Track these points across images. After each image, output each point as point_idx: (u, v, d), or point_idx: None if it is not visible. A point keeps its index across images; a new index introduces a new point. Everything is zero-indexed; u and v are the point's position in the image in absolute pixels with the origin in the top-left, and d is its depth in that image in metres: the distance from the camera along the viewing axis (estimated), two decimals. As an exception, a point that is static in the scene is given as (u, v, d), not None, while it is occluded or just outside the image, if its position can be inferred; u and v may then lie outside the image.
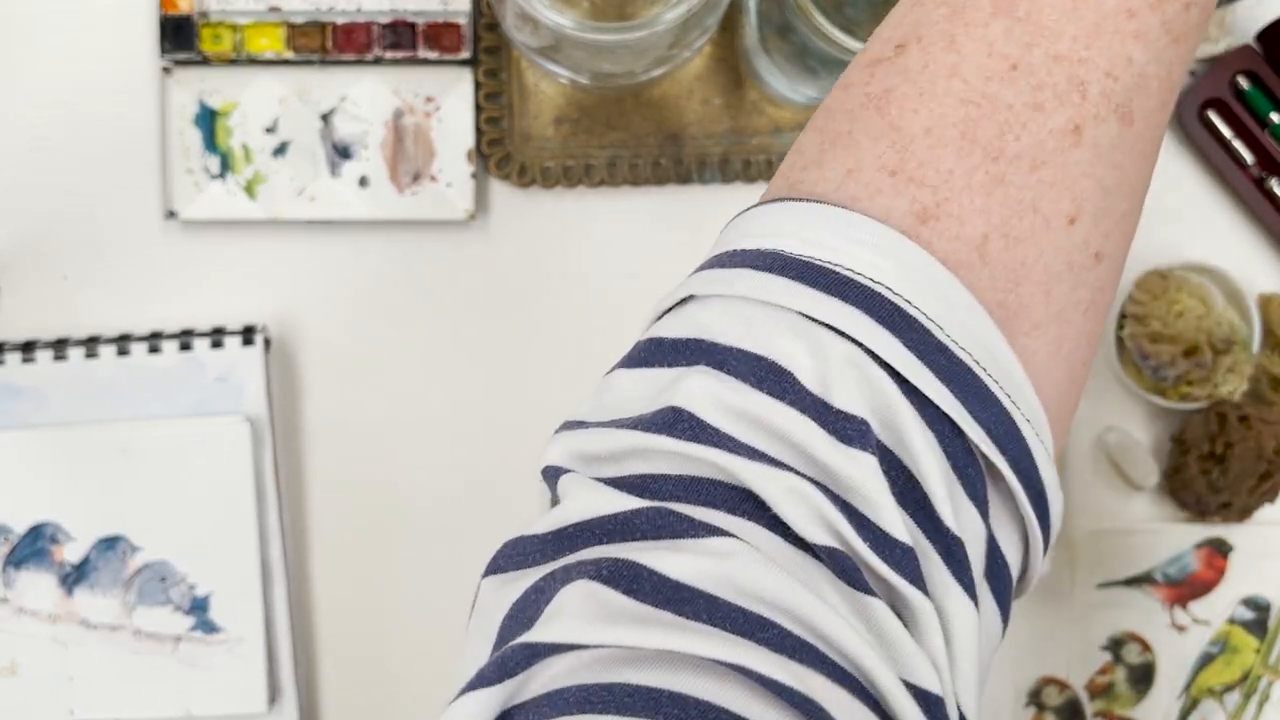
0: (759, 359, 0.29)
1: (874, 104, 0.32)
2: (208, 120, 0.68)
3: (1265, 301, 0.70)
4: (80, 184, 0.69)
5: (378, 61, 0.68)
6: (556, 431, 0.32)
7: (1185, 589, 0.72)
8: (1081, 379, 0.33)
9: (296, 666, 0.68)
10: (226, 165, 0.68)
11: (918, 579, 0.28)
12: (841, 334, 0.29)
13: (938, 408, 0.29)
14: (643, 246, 0.71)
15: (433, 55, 0.68)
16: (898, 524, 0.28)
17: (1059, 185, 0.30)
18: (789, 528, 0.28)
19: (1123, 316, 0.69)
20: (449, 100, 0.68)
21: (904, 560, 0.28)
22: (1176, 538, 0.71)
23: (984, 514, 0.30)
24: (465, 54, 0.68)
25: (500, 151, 0.69)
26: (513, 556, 0.30)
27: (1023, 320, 0.31)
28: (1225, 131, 0.71)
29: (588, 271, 0.70)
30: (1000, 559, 0.31)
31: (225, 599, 0.67)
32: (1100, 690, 0.72)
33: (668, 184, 0.70)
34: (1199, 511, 0.71)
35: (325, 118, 0.68)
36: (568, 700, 0.27)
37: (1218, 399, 0.69)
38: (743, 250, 0.31)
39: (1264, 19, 0.70)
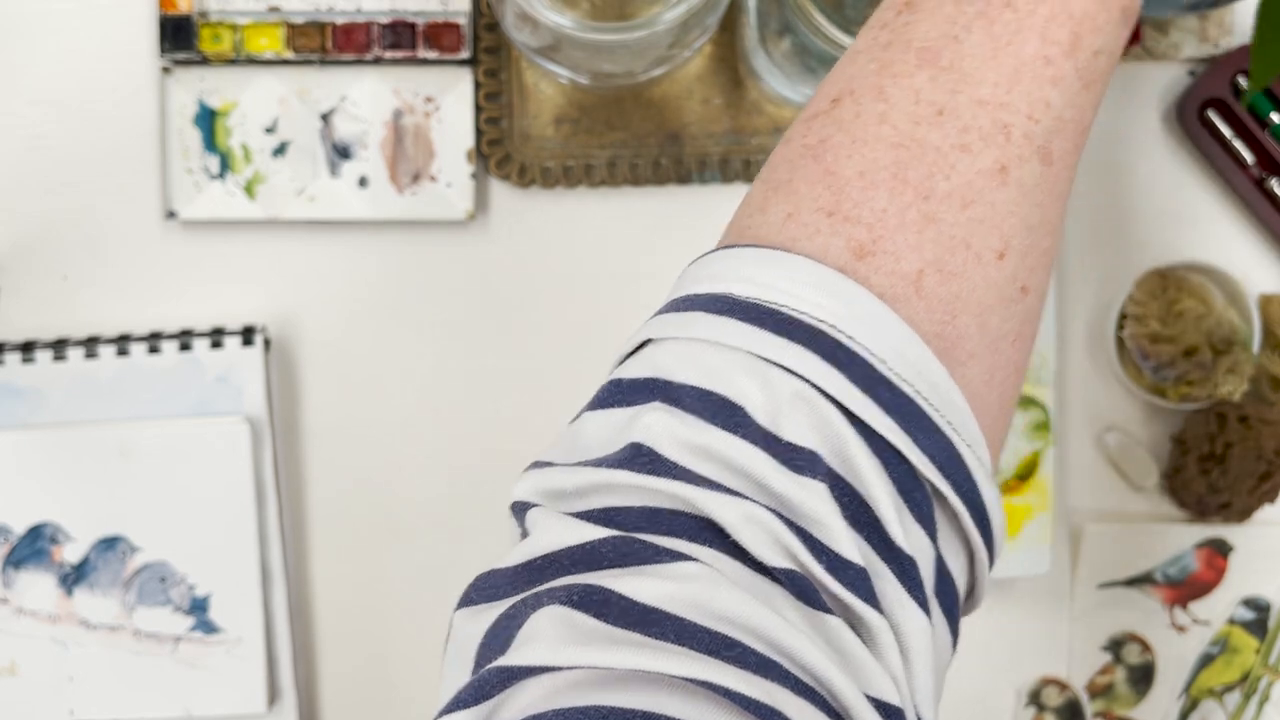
0: (712, 395, 0.31)
1: (811, 153, 0.34)
2: (207, 120, 0.68)
3: (1265, 301, 0.70)
4: (80, 184, 0.69)
5: (377, 61, 0.68)
6: (525, 470, 0.34)
7: (1185, 589, 0.72)
8: (1011, 406, 0.34)
9: (296, 667, 0.68)
10: (226, 165, 0.68)
11: (871, 598, 0.30)
12: (790, 371, 0.30)
13: (884, 437, 0.30)
14: (643, 246, 0.71)
15: (432, 55, 0.68)
16: (850, 546, 0.30)
17: (988, 222, 0.32)
18: (748, 553, 0.30)
19: (1123, 316, 0.69)
20: (449, 100, 0.68)
21: (857, 580, 0.30)
22: (1176, 538, 0.71)
23: (931, 535, 0.31)
24: (465, 54, 0.68)
25: (500, 151, 0.69)
26: (484, 589, 0.31)
27: (959, 351, 0.32)
28: (1225, 131, 0.71)
29: (588, 271, 0.70)
30: (947, 576, 0.32)
31: (225, 599, 0.67)
32: (1100, 690, 0.72)
33: (668, 184, 0.70)
34: (1199, 512, 0.71)
35: (325, 118, 0.68)
36: None
37: (1218, 399, 0.69)
38: (696, 295, 0.33)
39: (1264, 19, 0.70)
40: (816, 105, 0.35)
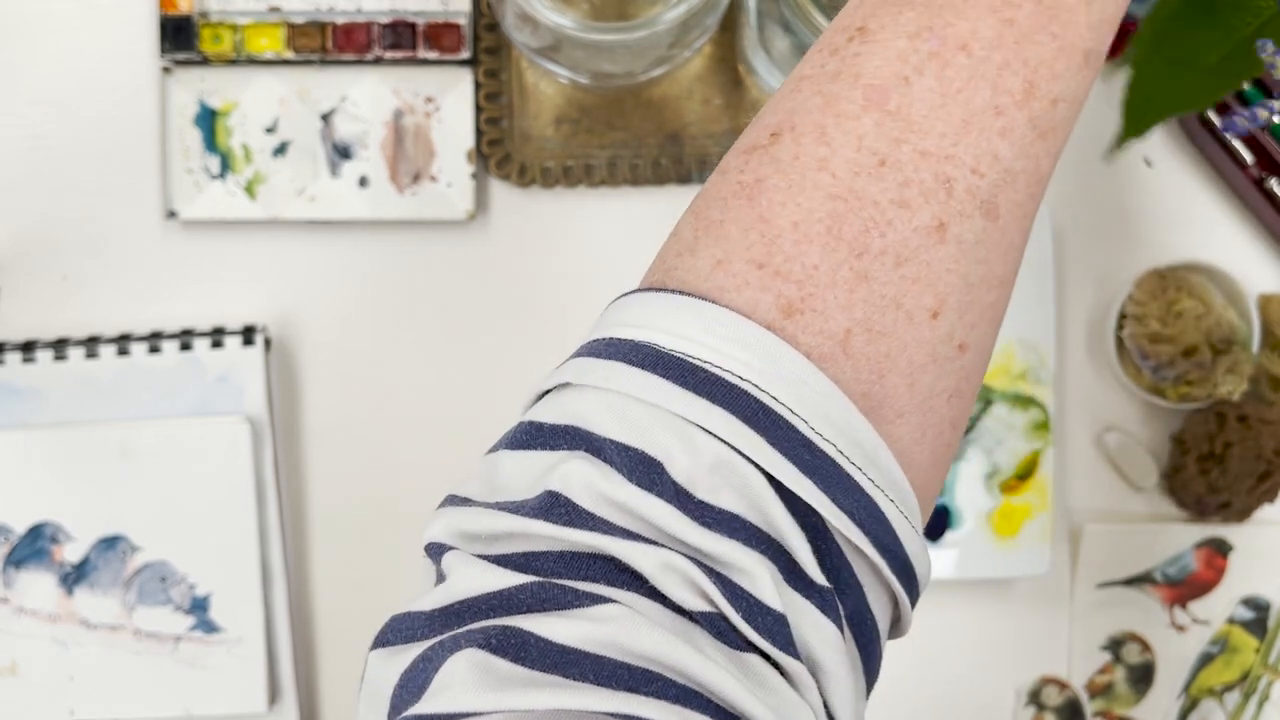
0: (632, 451, 0.30)
1: (746, 193, 0.32)
2: (208, 120, 0.68)
3: (1265, 301, 0.70)
4: (80, 184, 0.69)
5: (378, 61, 0.68)
6: (440, 506, 0.33)
7: (1185, 589, 0.72)
8: (947, 458, 0.34)
9: (296, 666, 0.68)
10: (226, 165, 0.68)
11: (788, 645, 0.30)
12: (712, 434, 0.30)
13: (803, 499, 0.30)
14: (643, 246, 0.71)
15: (433, 55, 0.68)
16: (770, 593, 0.29)
17: (922, 281, 0.31)
18: (666, 600, 0.30)
19: (1122, 316, 0.70)
20: (449, 100, 0.68)
21: (774, 627, 0.29)
22: (1176, 538, 0.71)
23: (844, 585, 0.31)
24: (465, 54, 0.68)
25: (500, 151, 0.69)
26: (400, 630, 0.31)
27: (886, 410, 0.32)
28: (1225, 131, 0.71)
29: (588, 271, 0.70)
30: (866, 616, 0.32)
31: (225, 599, 0.67)
32: (1100, 690, 0.72)
33: (668, 184, 0.70)
34: (1198, 511, 0.71)
35: (325, 118, 0.68)
36: None
37: (1217, 399, 0.69)
38: (618, 340, 0.32)
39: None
40: (754, 136, 0.33)
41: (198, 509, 0.67)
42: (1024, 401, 0.70)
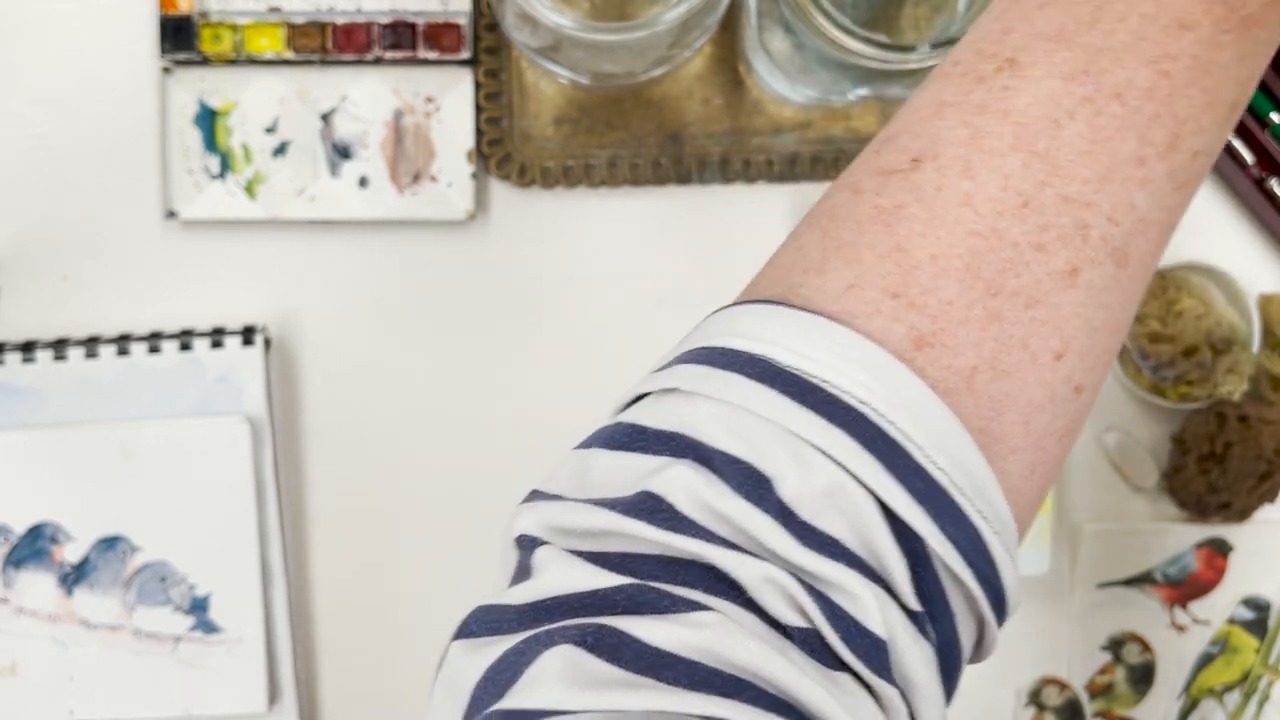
0: (743, 464, 0.30)
1: (883, 219, 0.32)
2: (208, 120, 0.68)
3: (1265, 301, 0.70)
4: (80, 184, 0.69)
5: (378, 61, 0.68)
6: (525, 500, 0.33)
7: (1185, 589, 0.72)
8: (1046, 493, 0.34)
9: (296, 667, 0.68)
10: (226, 165, 0.68)
11: (884, 669, 0.30)
12: (827, 455, 0.30)
13: (910, 525, 0.30)
14: (643, 246, 0.71)
15: (433, 55, 0.68)
16: (875, 617, 0.29)
17: (1050, 324, 0.31)
18: (763, 613, 0.29)
19: (1123, 316, 0.70)
20: (449, 100, 0.68)
21: (873, 651, 0.29)
22: (1176, 538, 0.71)
23: (937, 614, 0.32)
24: (465, 54, 0.68)
25: (500, 151, 0.69)
26: (485, 623, 0.31)
27: (1001, 446, 0.32)
28: (1225, 131, 0.71)
29: (588, 271, 0.70)
30: (955, 645, 0.32)
31: (225, 599, 0.67)
32: (1100, 690, 0.72)
33: (668, 184, 0.70)
34: (1199, 511, 0.71)
35: (325, 118, 0.68)
36: None
37: (1217, 399, 0.69)
38: (733, 351, 0.31)
39: (1264, 19, 0.70)
40: (892, 159, 0.33)
41: (197, 509, 0.67)
42: (1024, 401, 0.70)
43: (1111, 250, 0.32)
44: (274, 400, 0.68)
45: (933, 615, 0.31)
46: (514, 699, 0.28)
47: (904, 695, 0.30)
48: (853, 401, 0.30)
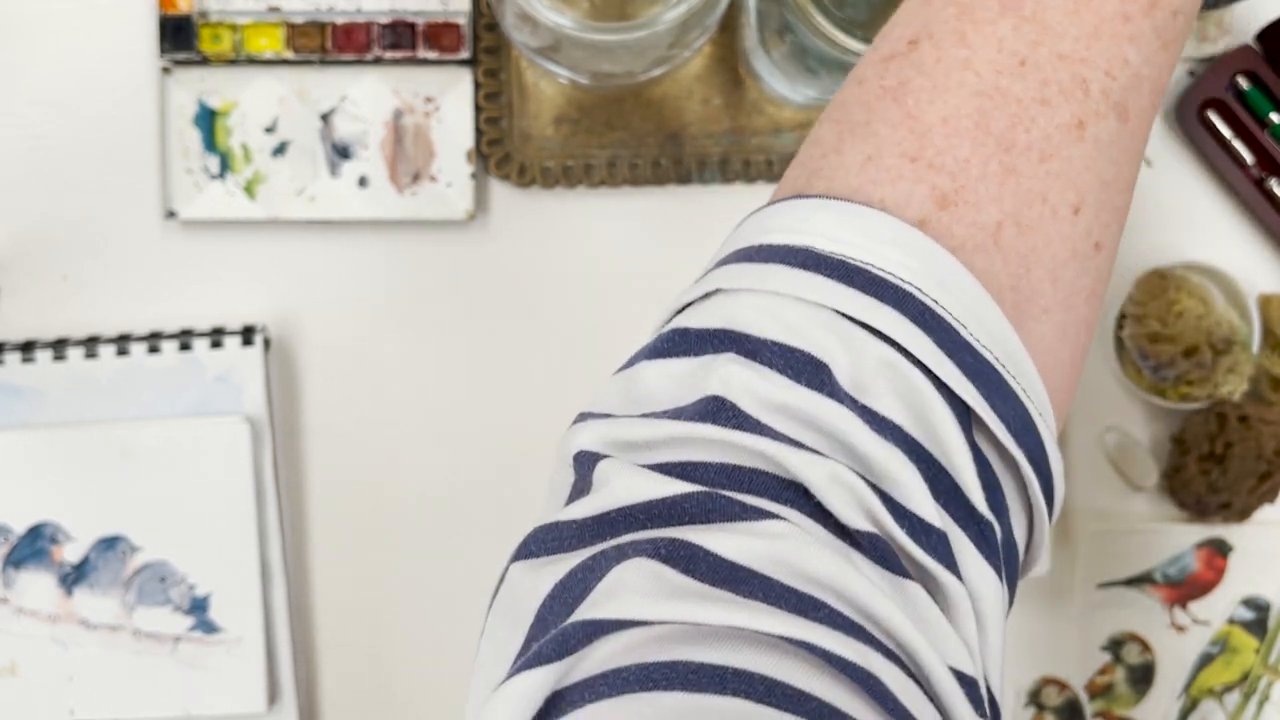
0: (795, 352, 0.30)
1: (890, 95, 0.33)
2: (207, 120, 0.68)
3: (1265, 301, 0.70)
4: (80, 184, 0.69)
5: (377, 61, 0.68)
6: (578, 421, 0.32)
7: (1185, 589, 0.72)
8: (1081, 363, 0.34)
9: (296, 667, 0.68)
10: (226, 165, 0.68)
11: (951, 563, 0.30)
12: (875, 332, 0.30)
13: (965, 403, 0.30)
14: (643, 246, 0.71)
15: (432, 55, 0.68)
16: (931, 510, 0.29)
17: (1065, 177, 0.32)
18: (829, 515, 0.29)
19: (1122, 317, 0.69)
20: (448, 100, 0.68)
21: (938, 545, 0.29)
22: (1176, 538, 0.71)
23: (999, 504, 0.31)
24: (465, 54, 0.68)
25: (500, 151, 0.69)
26: (545, 542, 0.30)
27: (1033, 305, 0.32)
28: (1225, 131, 0.71)
29: (588, 271, 0.70)
30: (1012, 542, 0.32)
31: (225, 599, 0.67)
32: (1100, 690, 0.72)
33: (668, 184, 0.70)
34: (1199, 512, 0.71)
35: (325, 118, 0.68)
36: (627, 679, 0.27)
37: (1217, 399, 0.69)
38: (771, 245, 0.32)
39: (1264, 19, 0.70)
40: (891, 46, 0.34)
41: (197, 509, 0.67)
42: (1024, 401, 0.70)
43: (1113, 104, 0.33)
44: (273, 400, 0.68)
45: (994, 511, 0.31)
46: (592, 610, 0.28)
47: (970, 594, 0.30)
48: (897, 281, 0.30)
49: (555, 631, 0.28)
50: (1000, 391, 0.31)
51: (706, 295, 0.33)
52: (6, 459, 0.66)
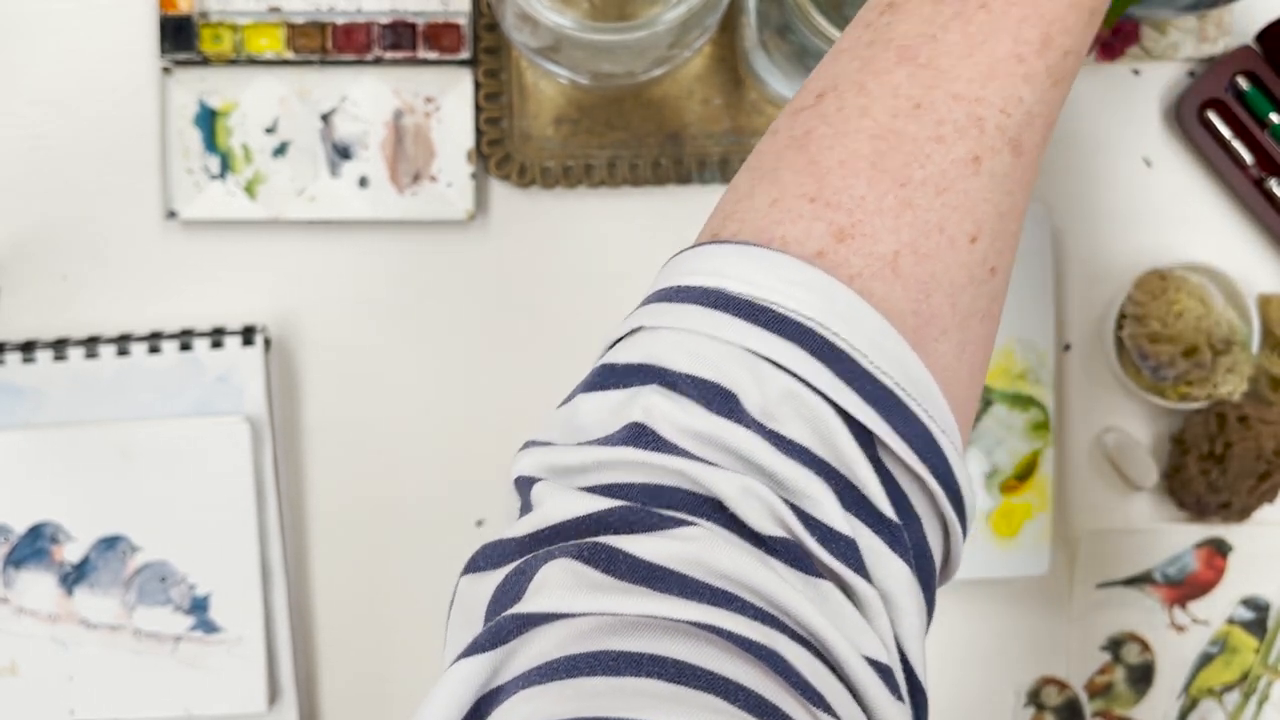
0: (708, 384, 0.33)
1: (797, 144, 0.36)
2: (208, 120, 0.68)
3: (1264, 302, 0.70)
4: (80, 184, 0.69)
5: (378, 62, 0.68)
6: (522, 449, 0.36)
7: (1185, 589, 0.72)
8: (980, 376, 0.37)
9: (296, 666, 0.68)
10: (226, 165, 0.68)
11: (861, 568, 0.32)
12: (781, 367, 0.33)
13: (866, 426, 0.33)
14: (643, 246, 0.71)
15: (433, 55, 0.68)
16: (839, 519, 0.32)
17: (962, 208, 0.34)
18: (743, 525, 0.32)
19: (1122, 317, 0.70)
20: (449, 100, 0.68)
21: (847, 551, 0.32)
22: (1176, 538, 0.72)
23: (907, 514, 0.34)
24: (465, 54, 0.68)
25: (500, 151, 0.69)
26: (490, 557, 0.34)
27: (933, 327, 0.34)
28: (1225, 132, 0.71)
29: (588, 271, 0.70)
30: (925, 548, 0.34)
31: (225, 599, 0.67)
32: (1100, 690, 0.72)
33: (668, 184, 0.70)
34: (1198, 511, 0.71)
35: (325, 118, 0.68)
36: (555, 669, 0.30)
37: (1217, 399, 0.69)
38: (688, 287, 0.35)
39: (1263, 19, 0.71)
40: (802, 100, 0.37)
41: (198, 509, 0.67)
42: (1023, 401, 0.70)
43: (1008, 140, 0.35)
44: (274, 400, 0.68)
45: (903, 518, 0.33)
46: (523, 605, 0.31)
47: (883, 599, 0.33)
48: (799, 318, 0.33)
49: (489, 625, 0.31)
50: (901, 414, 0.33)
51: (632, 332, 0.35)
52: (7, 459, 0.66)
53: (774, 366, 0.32)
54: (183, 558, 0.67)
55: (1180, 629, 0.72)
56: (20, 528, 0.67)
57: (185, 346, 0.67)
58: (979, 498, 0.69)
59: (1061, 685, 0.72)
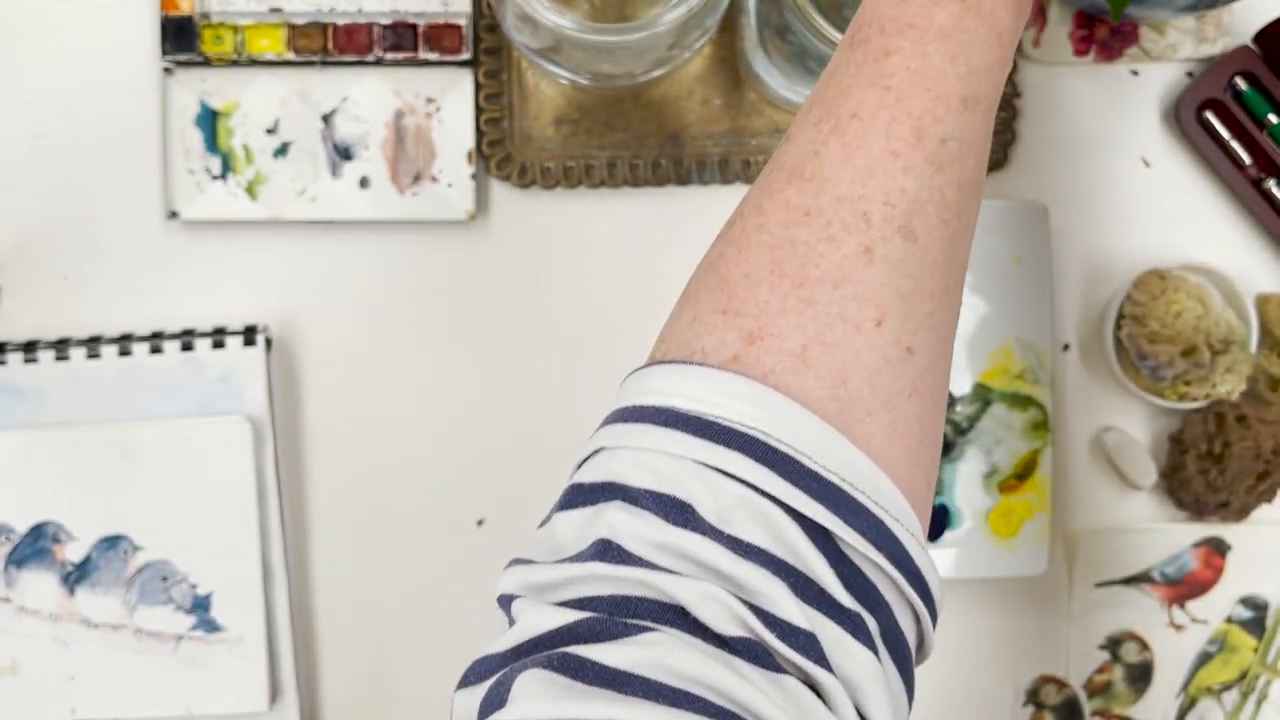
0: (665, 497, 0.35)
1: (710, 266, 0.40)
2: (209, 121, 0.68)
3: (1263, 301, 0.71)
4: (82, 184, 0.69)
5: (378, 62, 0.68)
6: (508, 566, 0.38)
7: (1183, 588, 0.72)
8: (925, 454, 0.39)
9: (297, 665, 0.68)
10: (228, 166, 0.68)
11: (822, 659, 0.34)
12: (732, 476, 0.35)
13: (818, 523, 0.35)
14: (643, 246, 0.71)
15: (433, 56, 0.68)
16: (797, 615, 0.34)
17: (861, 297, 0.37)
18: (706, 629, 0.34)
19: (1121, 317, 0.70)
20: (449, 101, 0.69)
21: (807, 645, 0.34)
22: (1175, 537, 0.72)
23: (871, 601, 0.36)
24: (466, 55, 0.68)
25: (500, 152, 0.69)
26: (479, 671, 0.36)
27: (856, 410, 0.37)
28: (1223, 132, 0.71)
29: (588, 271, 0.71)
30: (897, 631, 0.36)
31: (226, 598, 0.67)
32: (1099, 689, 0.72)
33: (668, 184, 0.70)
34: (1197, 511, 0.71)
35: (326, 118, 0.68)
36: None
37: (1216, 399, 0.69)
38: (643, 407, 0.37)
39: (1261, 20, 0.71)
40: (719, 231, 0.41)
41: (199, 509, 0.67)
42: (1022, 401, 0.70)
43: (897, 228, 0.38)
44: (275, 400, 0.68)
45: (869, 606, 0.35)
46: (502, 713, 0.33)
47: (848, 692, 0.34)
48: (742, 428, 0.35)
49: None
50: (850, 507, 0.35)
51: (595, 452, 0.38)
52: (9, 459, 0.66)
53: (725, 475, 0.35)
54: (184, 557, 0.67)
55: (1179, 628, 0.72)
56: (22, 527, 0.67)
57: (187, 346, 0.67)
58: (978, 497, 0.70)
59: (1060, 684, 0.72)
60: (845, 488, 0.35)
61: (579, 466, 0.39)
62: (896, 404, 0.37)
